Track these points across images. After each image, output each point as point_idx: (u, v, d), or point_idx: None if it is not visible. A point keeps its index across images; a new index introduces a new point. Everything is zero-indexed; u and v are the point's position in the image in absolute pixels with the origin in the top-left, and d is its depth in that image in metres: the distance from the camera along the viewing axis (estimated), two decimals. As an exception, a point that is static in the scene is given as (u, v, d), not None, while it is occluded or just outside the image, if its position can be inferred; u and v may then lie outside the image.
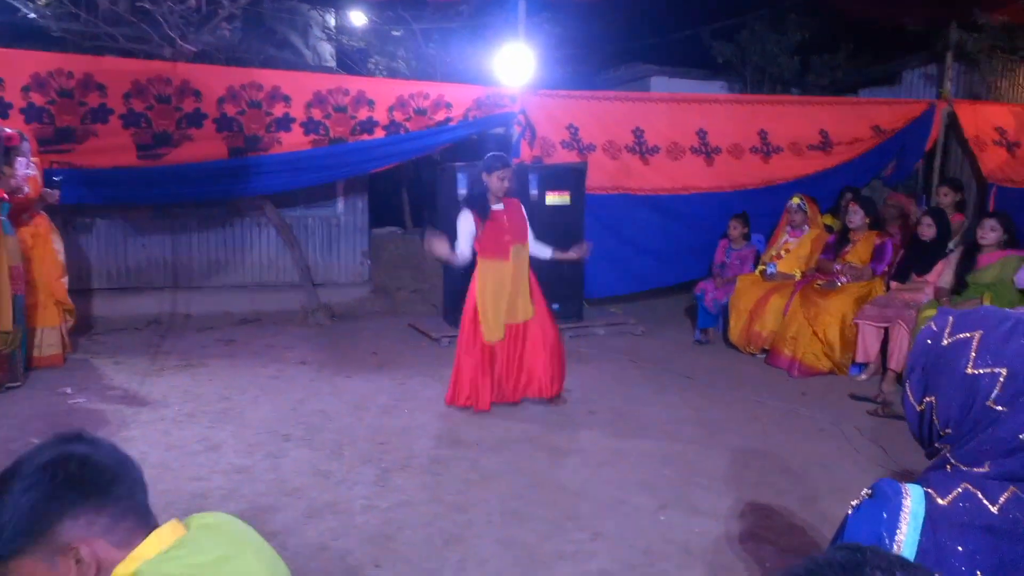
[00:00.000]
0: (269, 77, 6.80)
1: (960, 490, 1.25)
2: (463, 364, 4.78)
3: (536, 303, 4.87)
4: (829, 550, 0.89)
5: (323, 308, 7.45)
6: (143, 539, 1.23)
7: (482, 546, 3.17)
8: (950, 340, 1.30)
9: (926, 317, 5.17)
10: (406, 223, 9.17)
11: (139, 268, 7.31)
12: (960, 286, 5.36)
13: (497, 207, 4.76)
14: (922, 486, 1.28)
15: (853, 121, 7.91)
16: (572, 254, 5.01)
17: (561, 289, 6.59)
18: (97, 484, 1.21)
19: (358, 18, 9.08)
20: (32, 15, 6.64)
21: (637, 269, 7.59)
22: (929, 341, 1.33)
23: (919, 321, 5.26)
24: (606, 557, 3.10)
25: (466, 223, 4.74)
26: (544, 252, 4.94)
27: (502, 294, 4.74)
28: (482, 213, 4.73)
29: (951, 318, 1.33)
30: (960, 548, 1.20)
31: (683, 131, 7.64)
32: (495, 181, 4.68)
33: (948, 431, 1.30)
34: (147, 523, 1.27)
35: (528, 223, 4.90)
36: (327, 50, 9.51)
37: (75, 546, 1.18)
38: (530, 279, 4.87)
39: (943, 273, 5.52)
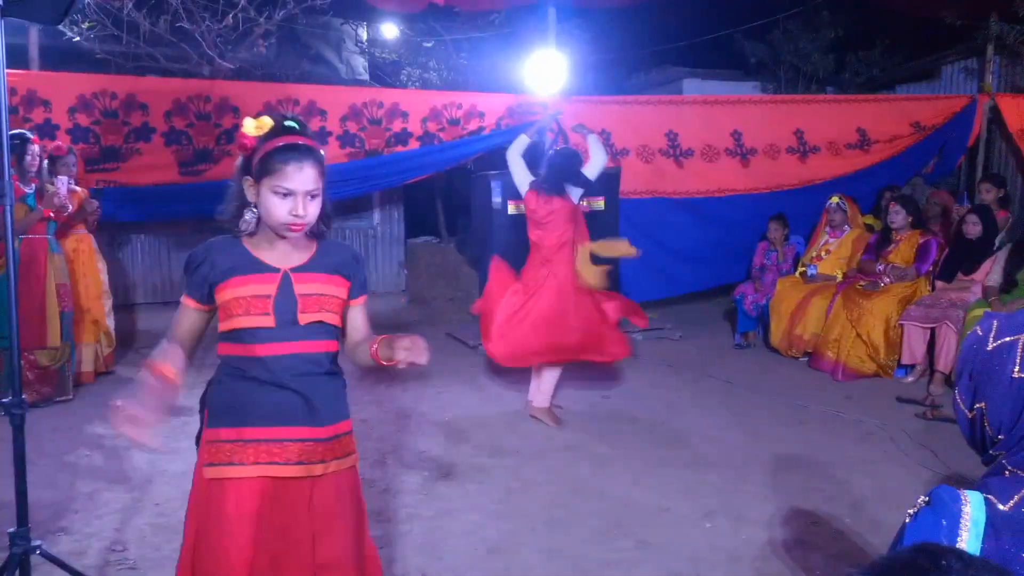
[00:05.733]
0: (305, 91, 6.91)
1: (1021, 495, 1.23)
2: None
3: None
4: (907, 549, 0.87)
5: (361, 318, 7.53)
6: None
7: (526, 555, 3.16)
8: (995, 344, 1.28)
9: (974, 317, 5.06)
10: (441, 233, 9.24)
11: (182, 282, 7.46)
12: (1009, 284, 5.23)
13: None
14: (981, 492, 1.25)
15: (892, 118, 7.78)
16: None
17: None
18: None
19: (390, 31, 9.20)
20: (76, 38, 6.85)
21: (673, 273, 7.53)
22: (975, 346, 1.31)
23: (967, 321, 5.15)
24: (652, 566, 3.07)
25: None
26: None
27: None
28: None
29: (995, 322, 1.31)
30: (1025, 555, 1.17)
31: (717, 133, 7.58)
32: None
33: (1001, 437, 1.28)
34: None
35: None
36: (360, 63, 9.65)
37: None
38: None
39: (991, 271, 5.39)
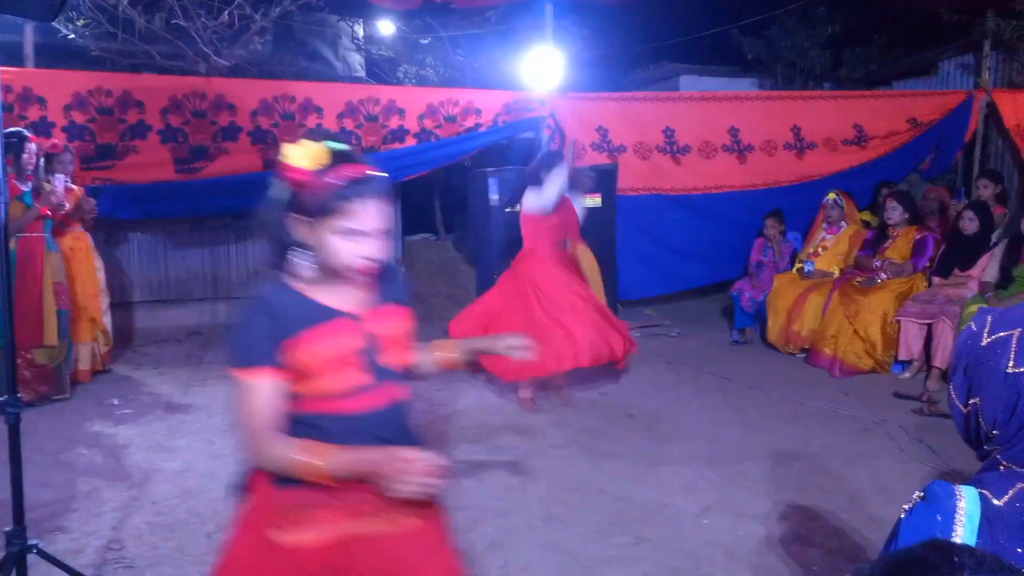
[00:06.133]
0: (301, 89, 6.90)
1: (1016, 490, 1.23)
2: None
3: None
4: (918, 545, 0.87)
5: (359, 316, 7.53)
6: None
7: (524, 551, 3.17)
8: (989, 339, 1.28)
9: (971, 313, 5.07)
10: (438, 230, 9.23)
11: (179, 280, 7.45)
12: (1006, 280, 5.24)
13: None
14: (976, 487, 1.25)
15: (888, 114, 7.78)
16: None
17: (595, 292, 6.60)
18: None
19: (386, 27, 9.17)
20: (71, 36, 6.83)
21: (671, 270, 7.54)
22: (969, 342, 1.31)
23: (964, 317, 5.16)
24: (650, 562, 3.08)
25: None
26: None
27: None
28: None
29: (990, 317, 1.31)
30: (1020, 550, 1.18)
31: (714, 129, 7.58)
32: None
33: (996, 432, 1.28)
34: None
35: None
36: (356, 60, 9.62)
37: None
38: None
39: (988, 267, 5.40)
